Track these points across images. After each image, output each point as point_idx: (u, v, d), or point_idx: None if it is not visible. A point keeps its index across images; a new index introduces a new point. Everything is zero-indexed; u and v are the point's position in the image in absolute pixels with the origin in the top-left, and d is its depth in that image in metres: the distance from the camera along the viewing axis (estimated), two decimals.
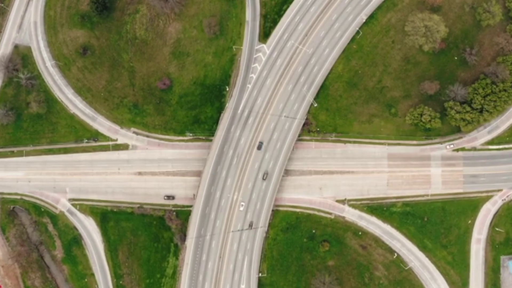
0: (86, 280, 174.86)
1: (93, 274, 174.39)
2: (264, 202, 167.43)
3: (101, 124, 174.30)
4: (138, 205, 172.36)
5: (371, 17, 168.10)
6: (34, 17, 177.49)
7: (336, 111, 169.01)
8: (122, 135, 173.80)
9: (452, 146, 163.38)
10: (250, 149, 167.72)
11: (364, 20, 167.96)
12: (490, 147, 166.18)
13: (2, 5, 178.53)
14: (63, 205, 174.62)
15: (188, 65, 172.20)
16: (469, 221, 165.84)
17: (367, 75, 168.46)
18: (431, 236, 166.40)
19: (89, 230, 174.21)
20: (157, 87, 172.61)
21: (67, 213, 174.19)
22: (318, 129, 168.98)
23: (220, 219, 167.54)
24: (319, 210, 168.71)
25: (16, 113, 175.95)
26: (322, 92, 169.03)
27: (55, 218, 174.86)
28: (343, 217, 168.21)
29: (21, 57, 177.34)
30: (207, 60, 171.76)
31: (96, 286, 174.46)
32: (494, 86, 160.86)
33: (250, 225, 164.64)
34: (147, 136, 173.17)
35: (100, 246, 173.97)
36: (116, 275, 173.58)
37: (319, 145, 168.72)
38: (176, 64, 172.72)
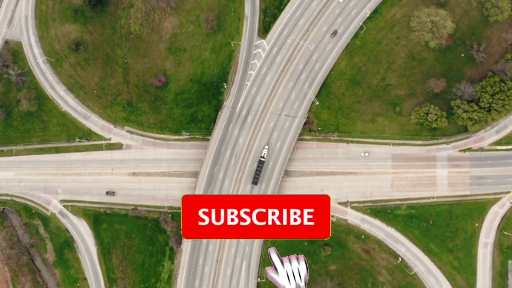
0: (78, 284, 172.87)
1: (85, 278, 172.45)
2: None
3: (94, 122, 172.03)
4: (132, 207, 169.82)
5: (375, 12, 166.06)
6: (25, 11, 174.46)
7: (339, 109, 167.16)
8: (116, 134, 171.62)
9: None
10: (248, 149, 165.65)
11: (368, 15, 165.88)
12: (498, 147, 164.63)
13: None
14: (54, 206, 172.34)
15: (184, 62, 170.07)
16: (476, 224, 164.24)
17: (370, 73, 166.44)
18: (437, 240, 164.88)
19: (82, 232, 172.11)
20: (152, 84, 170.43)
21: (58, 215, 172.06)
22: (319, 128, 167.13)
23: None
24: None
25: (6, 111, 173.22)
26: (324, 90, 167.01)
27: (46, 220, 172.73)
28: (346, 220, 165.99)
29: (12, 53, 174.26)
30: (204, 56, 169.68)
31: None
32: (503, 84, 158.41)
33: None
34: (142, 135, 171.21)
35: (93, 249, 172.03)
36: (110, 280, 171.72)
37: (321, 145, 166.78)
38: (172, 60, 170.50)
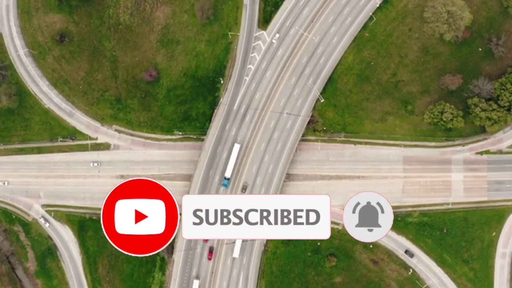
0: None
1: None
2: None
3: (79, 120, 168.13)
4: None
5: (386, 1, 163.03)
6: (7, 0, 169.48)
7: (346, 107, 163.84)
8: (103, 133, 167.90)
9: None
10: (247, 150, 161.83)
11: (377, 5, 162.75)
12: None
13: None
14: (36, 211, 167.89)
15: (177, 55, 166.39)
16: (494, 233, 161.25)
17: (380, 67, 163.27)
18: (451, 249, 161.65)
19: (65, 240, 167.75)
20: (143, 79, 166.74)
21: (40, 221, 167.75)
22: (324, 128, 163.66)
23: None
24: None
25: None
26: (330, 86, 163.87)
27: (27, 226, 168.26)
28: None
29: None
30: (199, 49, 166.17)
31: None
32: None
33: None
34: (131, 135, 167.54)
35: (78, 258, 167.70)
36: None
37: (326, 146, 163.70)
38: (164, 53, 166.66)
